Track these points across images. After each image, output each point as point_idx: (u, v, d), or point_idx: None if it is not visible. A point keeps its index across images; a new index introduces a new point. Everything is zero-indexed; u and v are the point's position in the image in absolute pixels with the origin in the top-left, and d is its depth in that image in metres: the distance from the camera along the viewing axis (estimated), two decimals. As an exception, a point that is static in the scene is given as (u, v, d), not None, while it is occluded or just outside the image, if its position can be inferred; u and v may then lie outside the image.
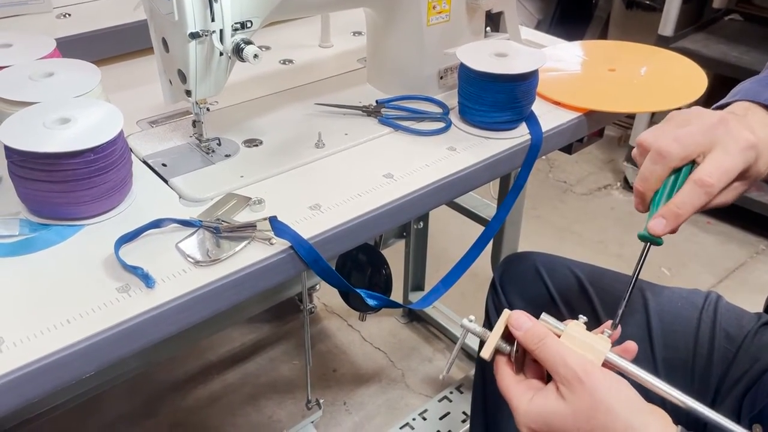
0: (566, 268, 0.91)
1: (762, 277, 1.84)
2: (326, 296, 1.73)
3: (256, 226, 0.66)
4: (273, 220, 0.66)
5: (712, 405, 0.76)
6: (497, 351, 0.58)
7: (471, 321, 0.59)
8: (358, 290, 0.76)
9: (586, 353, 0.54)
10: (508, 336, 0.58)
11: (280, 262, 0.65)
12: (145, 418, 1.43)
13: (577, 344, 0.55)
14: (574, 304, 0.88)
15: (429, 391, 1.50)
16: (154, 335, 0.57)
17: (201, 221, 0.67)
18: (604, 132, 2.32)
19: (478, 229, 0.89)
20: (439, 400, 1.45)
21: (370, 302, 0.77)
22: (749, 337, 0.78)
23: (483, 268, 1.34)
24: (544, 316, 0.58)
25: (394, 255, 1.57)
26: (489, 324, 0.98)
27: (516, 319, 0.57)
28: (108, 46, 0.99)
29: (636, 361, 0.79)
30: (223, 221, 0.67)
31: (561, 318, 0.87)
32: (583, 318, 0.58)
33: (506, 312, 0.58)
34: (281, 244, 0.65)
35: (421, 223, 1.55)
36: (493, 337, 0.58)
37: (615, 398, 0.51)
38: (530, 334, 0.56)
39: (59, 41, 0.86)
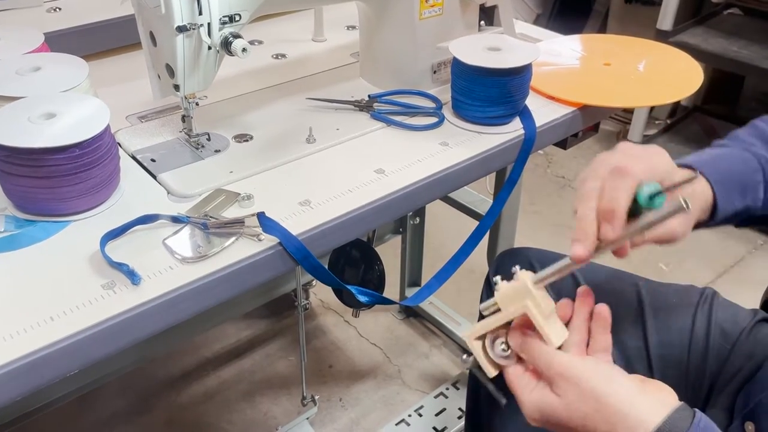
0: None
1: (760, 273, 1.83)
2: (322, 292, 1.72)
3: (244, 222, 0.65)
4: (261, 216, 0.65)
5: (706, 402, 0.76)
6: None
7: (466, 360, 0.60)
8: (349, 287, 0.75)
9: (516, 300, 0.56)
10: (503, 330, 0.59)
11: (269, 258, 0.64)
12: (139, 414, 1.42)
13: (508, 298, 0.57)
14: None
15: (425, 387, 1.49)
16: (139, 333, 0.57)
17: (189, 217, 0.66)
18: (600, 127, 2.31)
19: (475, 224, 0.89)
20: (435, 397, 1.44)
21: (362, 299, 0.77)
22: (744, 334, 0.77)
23: (479, 263, 1.33)
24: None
25: (391, 250, 1.56)
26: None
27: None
28: (98, 41, 0.98)
29: (630, 358, 0.79)
30: (211, 217, 0.66)
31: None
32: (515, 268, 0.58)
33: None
34: (270, 241, 0.64)
35: (418, 218, 1.54)
36: (482, 358, 0.59)
37: (602, 385, 0.52)
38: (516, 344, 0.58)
39: (48, 35, 0.85)
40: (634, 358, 0.79)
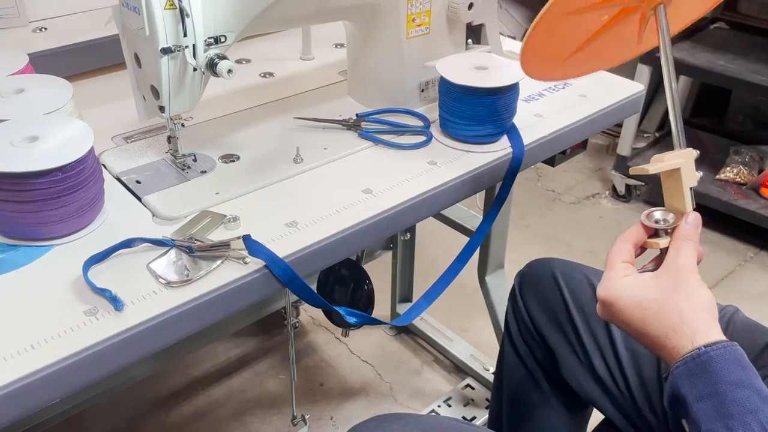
0: (581, 275, 0.90)
1: (751, 285, 1.83)
2: (313, 309, 1.71)
3: (229, 244, 0.64)
4: (246, 239, 0.64)
5: None
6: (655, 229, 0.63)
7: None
8: (337, 308, 0.74)
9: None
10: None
11: (255, 281, 0.63)
12: (128, 435, 1.40)
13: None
14: (586, 309, 0.87)
15: (417, 405, 1.48)
16: (122, 360, 0.56)
17: (173, 240, 0.65)
18: (590, 141, 2.32)
19: (467, 239, 0.88)
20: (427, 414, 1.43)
21: (350, 320, 0.76)
22: (758, 351, 0.77)
23: (470, 278, 1.33)
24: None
25: (382, 266, 1.55)
26: (509, 334, 0.96)
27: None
28: (84, 61, 0.97)
29: (642, 366, 0.80)
30: (196, 240, 0.65)
31: (572, 323, 0.86)
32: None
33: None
34: (256, 263, 0.64)
35: (408, 234, 1.54)
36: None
37: (691, 293, 0.58)
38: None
39: (34, 56, 0.85)
40: (645, 365, 0.79)
